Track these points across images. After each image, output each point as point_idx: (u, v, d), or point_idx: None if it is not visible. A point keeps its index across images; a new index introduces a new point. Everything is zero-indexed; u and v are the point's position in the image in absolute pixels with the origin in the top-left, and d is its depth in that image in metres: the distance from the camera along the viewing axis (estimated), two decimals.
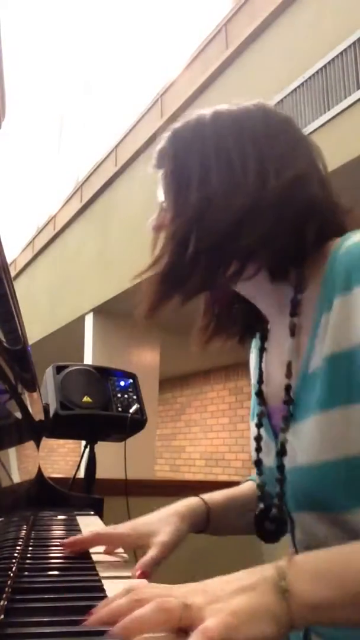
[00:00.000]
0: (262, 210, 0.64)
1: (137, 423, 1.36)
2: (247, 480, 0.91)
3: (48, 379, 1.32)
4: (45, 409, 1.25)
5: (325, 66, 3.26)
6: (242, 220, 0.64)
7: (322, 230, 0.65)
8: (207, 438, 8.42)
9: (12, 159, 11.10)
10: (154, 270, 0.72)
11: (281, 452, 0.66)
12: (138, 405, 1.37)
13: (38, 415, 1.02)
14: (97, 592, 0.52)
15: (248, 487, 0.88)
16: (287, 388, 0.65)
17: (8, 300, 0.71)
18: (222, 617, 0.41)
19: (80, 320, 5.85)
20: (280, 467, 0.66)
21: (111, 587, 0.53)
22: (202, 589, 0.45)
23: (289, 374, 0.66)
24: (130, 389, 1.39)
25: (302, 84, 3.40)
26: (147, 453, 5.10)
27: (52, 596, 0.50)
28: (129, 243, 5.13)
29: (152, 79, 5.99)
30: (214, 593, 0.44)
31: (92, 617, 0.43)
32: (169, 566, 0.69)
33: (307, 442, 0.61)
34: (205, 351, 0.77)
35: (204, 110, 0.76)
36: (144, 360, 5.61)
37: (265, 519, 0.70)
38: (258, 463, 0.74)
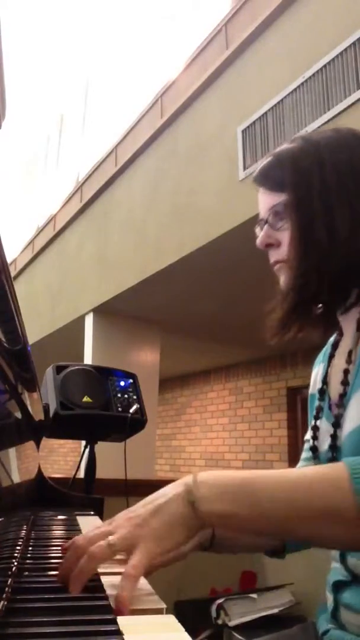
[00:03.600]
0: None
1: (137, 423, 1.36)
2: None
3: (48, 379, 1.32)
4: (45, 409, 1.25)
5: (325, 66, 3.26)
6: None
7: None
8: (207, 438, 8.41)
9: (13, 159, 11.10)
10: (284, 303, 0.77)
11: (335, 424, 0.73)
12: (138, 405, 1.37)
13: (38, 415, 1.02)
14: (97, 591, 0.52)
15: None
16: (345, 371, 0.74)
17: (8, 300, 0.71)
18: (141, 546, 0.51)
19: (80, 320, 5.84)
20: (333, 436, 0.74)
21: (111, 587, 0.53)
22: (127, 516, 0.55)
23: (349, 360, 0.74)
24: (130, 389, 1.39)
25: (302, 84, 3.40)
26: (147, 453, 5.09)
27: (52, 596, 0.50)
28: (129, 243, 5.12)
29: (152, 79, 5.99)
30: (137, 517, 0.54)
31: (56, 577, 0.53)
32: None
33: (354, 410, 0.69)
34: (279, 341, 0.82)
35: (313, 134, 0.80)
36: (144, 360, 5.61)
37: None
38: (314, 449, 0.81)
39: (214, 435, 8.27)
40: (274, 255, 0.81)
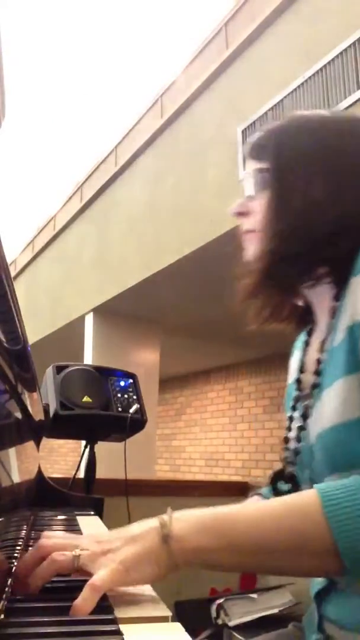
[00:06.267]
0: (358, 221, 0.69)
1: (137, 423, 1.36)
2: (254, 495, 0.90)
3: (48, 379, 1.32)
4: (45, 409, 1.25)
5: (325, 66, 3.26)
6: (339, 230, 0.69)
7: None
8: (207, 438, 8.41)
9: (12, 159, 11.10)
10: (256, 265, 0.76)
11: (304, 415, 0.72)
12: (138, 405, 1.37)
13: (38, 415, 1.01)
14: None
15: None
16: (318, 361, 0.72)
17: (8, 300, 0.71)
18: (111, 567, 0.49)
19: (80, 320, 5.84)
20: (301, 427, 0.73)
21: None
22: (97, 540, 0.53)
23: (321, 349, 0.72)
24: (130, 389, 1.39)
25: (302, 84, 3.40)
26: (147, 453, 5.10)
27: (52, 596, 0.50)
28: (129, 243, 5.12)
29: (152, 79, 5.99)
30: (108, 542, 0.53)
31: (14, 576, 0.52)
32: None
33: (332, 405, 0.66)
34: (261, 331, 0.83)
35: (306, 112, 0.80)
36: (144, 360, 5.61)
37: (280, 478, 0.77)
38: (286, 440, 0.79)
39: (214, 435, 8.26)
40: (245, 224, 0.80)
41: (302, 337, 0.86)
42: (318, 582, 0.74)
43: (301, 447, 0.73)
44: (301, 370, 0.81)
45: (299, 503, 0.55)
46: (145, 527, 0.54)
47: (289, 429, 0.79)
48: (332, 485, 0.55)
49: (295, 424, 0.76)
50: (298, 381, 0.80)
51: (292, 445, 0.76)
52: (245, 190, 0.81)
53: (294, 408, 0.80)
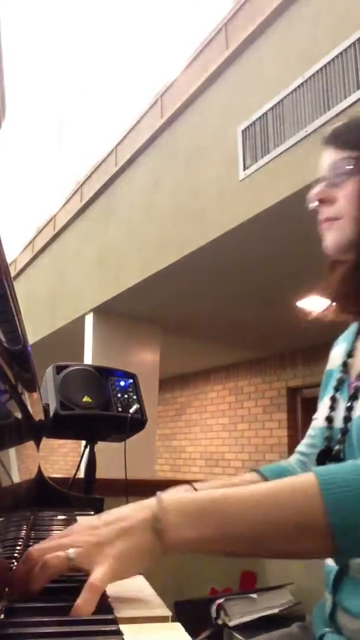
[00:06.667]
0: None
1: (137, 423, 1.36)
2: (252, 471, 0.92)
3: (48, 379, 1.32)
4: (45, 409, 1.25)
5: (325, 66, 3.26)
6: None
7: None
8: (207, 438, 8.41)
9: (13, 159, 11.09)
10: (346, 256, 0.79)
11: (353, 396, 0.76)
12: (138, 405, 1.37)
13: (38, 415, 1.01)
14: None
15: (250, 479, 0.90)
16: None
17: (8, 300, 0.71)
18: (107, 564, 0.49)
19: (80, 320, 5.84)
20: (349, 407, 0.76)
21: (111, 587, 0.53)
22: (90, 528, 0.53)
23: None
24: (130, 389, 1.39)
25: (302, 84, 3.40)
26: (147, 453, 5.09)
27: (52, 596, 0.50)
28: (129, 243, 5.12)
29: (152, 79, 5.99)
30: (101, 533, 0.52)
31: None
32: None
33: None
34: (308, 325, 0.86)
35: None
36: (144, 360, 5.61)
37: (327, 458, 0.79)
38: (330, 419, 0.82)
39: (214, 435, 8.26)
40: (326, 212, 0.81)
41: (352, 328, 0.89)
42: (331, 571, 0.74)
43: (350, 425, 0.76)
44: (349, 355, 0.84)
45: (296, 485, 0.55)
46: (138, 517, 0.53)
47: (332, 408, 0.82)
48: (332, 467, 0.56)
49: (341, 405, 0.79)
50: (344, 364, 0.84)
51: (339, 424, 0.78)
52: (324, 176, 0.82)
53: (336, 389, 0.83)
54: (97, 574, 0.48)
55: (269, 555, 0.60)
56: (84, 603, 0.46)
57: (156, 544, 0.52)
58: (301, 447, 0.96)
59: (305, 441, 0.95)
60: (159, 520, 0.52)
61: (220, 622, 1.93)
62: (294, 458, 0.97)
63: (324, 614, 0.75)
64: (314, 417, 0.91)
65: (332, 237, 0.80)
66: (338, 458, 0.76)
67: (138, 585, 0.56)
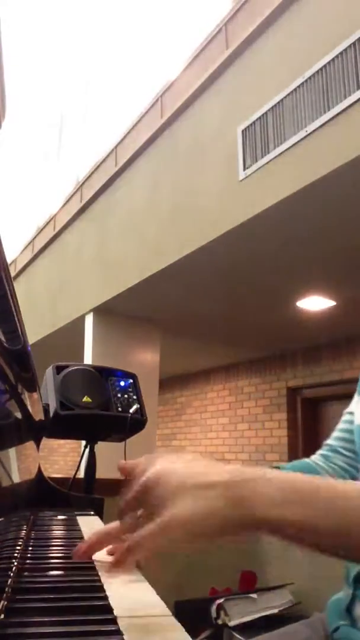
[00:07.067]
0: None
1: (137, 423, 1.36)
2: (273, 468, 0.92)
3: (48, 379, 1.32)
4: (45, 409, 1.25)
5: (325, 66, 3.26)
6: None
7: None
8: (207, 438, 8.41)
9: (13, 159, 11.09)
10: None
11: None
12: (138, 405, 1.37)
13: (38, 415, 1.01)
14: (97, 592, 0.52)
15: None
16: None
17: (8, 300, 0.71)
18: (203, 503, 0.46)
19: (80, 320, 5.84)
20: None
21: (111, 587, 0.53)
22: (172, 471, 0.52)
23: None
24: (130, 389, 1.39)
25: (302, 84, 3.40)
26: (147, 453, 5.08)
27: (52, 596, 0.50)
28: (129, 243, 5.12)
29: (152, 79, 5.98)
30: (180, 482, 0.49)
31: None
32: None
33: None
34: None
35: None
36: (144, 360, 5.61)
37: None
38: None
39: (214, 435, 8.26)
40: None
41: None
42: (353, 564, 0.75)
43: None
44: None
45: None
46: (220, 477, 0.48)
47: None
48: None
49: None
50: None
51: None
52: None
53: None
54: (166, 518, 0.46)
55: (343, 557, 0.52)
56: (150, 536, 0.45)
57: (233, 515, 0.47)
58: (330, 440, 0.97)
59: (335, 434, 0.95)
60: (242, 507, 0.47)
61: (220, 622, 1.93)
62: (318, 452, 0.97)
63: (338, 608, 0.76)
64: (346, 411, 0.92)
65: None
66: None
67: (138, 586, 0.56)
